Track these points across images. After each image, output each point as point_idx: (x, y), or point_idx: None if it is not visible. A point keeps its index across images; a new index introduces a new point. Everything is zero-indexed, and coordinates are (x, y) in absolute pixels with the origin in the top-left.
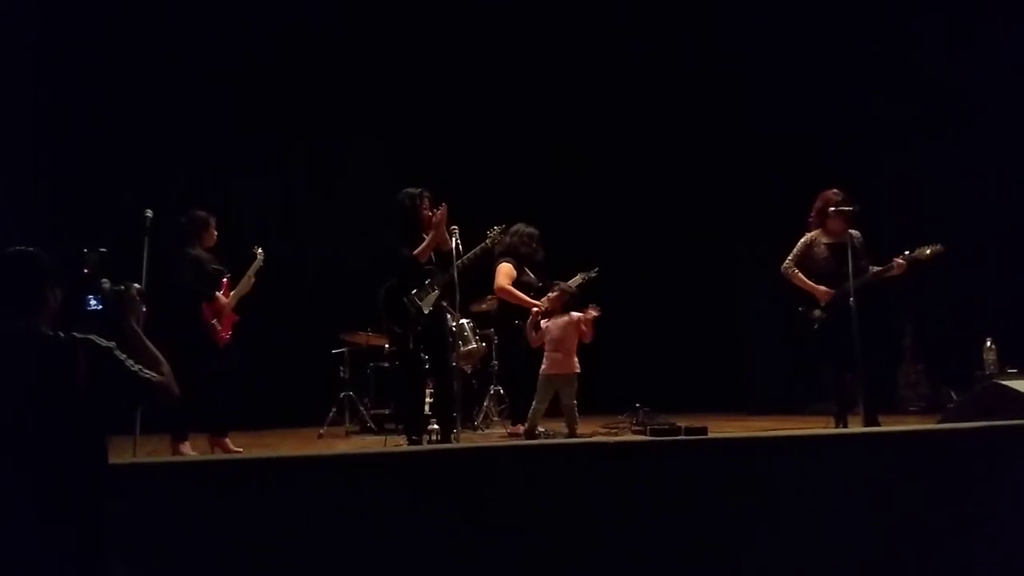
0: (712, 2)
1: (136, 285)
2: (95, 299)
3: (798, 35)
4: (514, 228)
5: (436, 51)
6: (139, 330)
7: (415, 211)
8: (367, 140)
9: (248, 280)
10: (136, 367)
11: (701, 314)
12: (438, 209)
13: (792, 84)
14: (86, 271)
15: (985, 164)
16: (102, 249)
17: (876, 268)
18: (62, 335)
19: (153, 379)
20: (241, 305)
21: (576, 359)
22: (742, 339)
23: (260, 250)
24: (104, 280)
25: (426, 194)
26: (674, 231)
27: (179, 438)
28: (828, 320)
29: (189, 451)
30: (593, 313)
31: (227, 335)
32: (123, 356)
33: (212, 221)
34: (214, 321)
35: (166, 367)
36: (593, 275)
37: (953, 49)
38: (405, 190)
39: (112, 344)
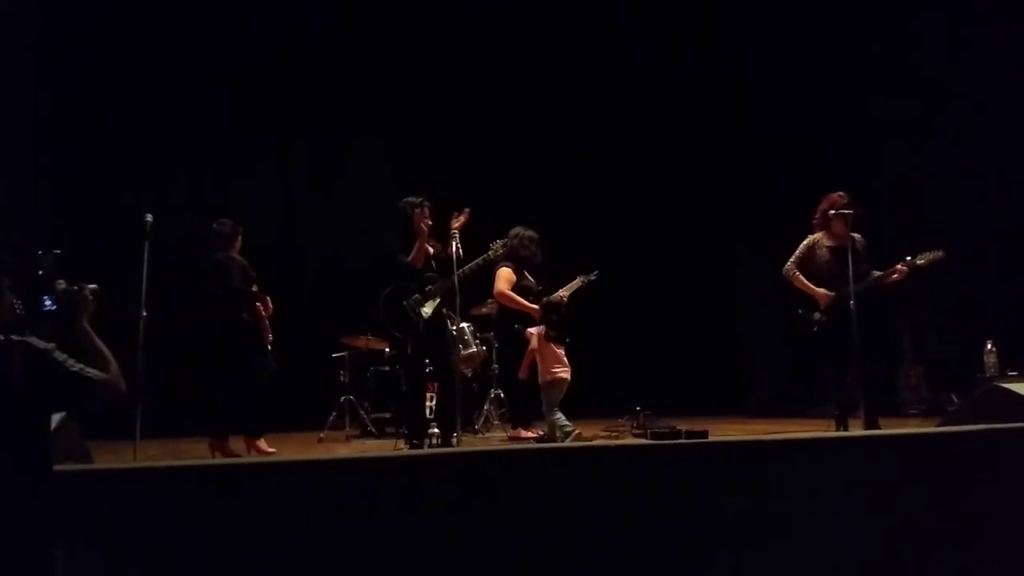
0: (712, 2)
1: (90, 286)
2: (50, 300)
3: (798, 35)
4: (513, 232)
5: (436, 51)
6: (90, 329)
7: (412, 220)
8: (367, 141)
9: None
10: (77, 367)
11: (701, 317)
12: (459, 215)
13: (792, 84)
14: (40, 273)
15: (985, 165)
16: (56, 251)
17: (878, 272)
18: (0, 338)
19: (95, 377)
20: None
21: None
22: (742, 342)
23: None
24: (59, 281)
25: (427, 203)
26: (674, 232)
27: (254, 436)
28: (827, 323)
29: (265, 447)
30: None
31: (271, 335)
32: (63, 357)
33: (240, 228)
34: (267, 322)
35: (114, 366)
36: (593, 278)
37: (953, 49)
38: (406, 199)
39: (50, 346)
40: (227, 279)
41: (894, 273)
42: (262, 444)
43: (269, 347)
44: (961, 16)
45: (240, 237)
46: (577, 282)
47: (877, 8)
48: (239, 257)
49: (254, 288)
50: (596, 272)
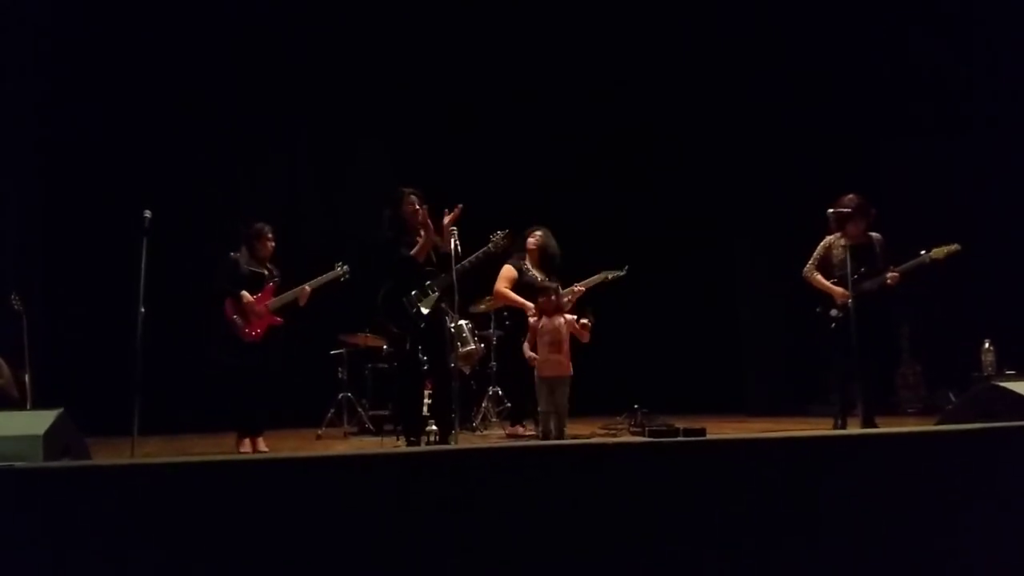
0: (712, 1)
1: None
2: None
3: (798, 35)
4: (526, 232)
5: (441, 48)
6: None
7: (400, 211)
8: (370, 141)
9: (302, 290)
10: None
11: (700, 315)
12: (449, 212)
13: (792, 83)
14: None
15: (984, 164)
16: None
17: (894, 272)
18: None
19: None
20: None
21: (569, 361)
22: (741, 341)
23: (344, 266)
24: None
25: (418, 195)
26: (674, 230)
27: (241, 435)
28: (846, 319)
29: (248, 447)
30: (584, 321)
31: (254, 333)
32: None
33: (266, 231)
34: (235, 317)
35: (7, 373)
36: (622, 273)
37: (953, 49)
38: (400, 188)
39: None
40: (213, 277)
41: (885, 278)
42: (245, 444)
43: (245, 341)
44: (961, 16)
45: (263, 240)
46: (599, 277)
47: (877, 7)
48: (236, 255)
49: (270, 285)
50: (625, 267)
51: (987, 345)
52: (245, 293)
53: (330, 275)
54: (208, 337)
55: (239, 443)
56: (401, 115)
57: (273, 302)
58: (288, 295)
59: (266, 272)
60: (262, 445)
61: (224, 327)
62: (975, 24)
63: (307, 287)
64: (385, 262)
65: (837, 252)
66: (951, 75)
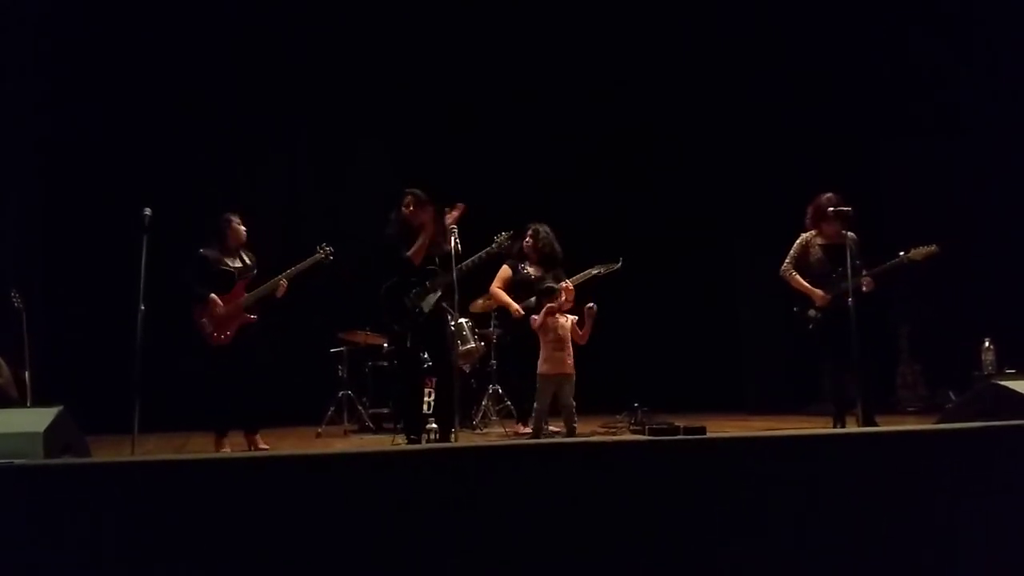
0: (712, 1)
1: None
2: None
3: (798, 35)
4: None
5: (438, 52)
6: None
7: (399, 212)
8: (370, 141)
9: (278, 283)
10: None
11: (700, 314)
12: (452, 210)
13: (792, 82)
14: None
15: (984, 164)
16: None
17: (865, 272)
18: None
19: None
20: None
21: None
22: (741, 339)
23: (326, 248)
24: None
25: (419, 196)
26: (673, 228)
27: (218, 434)
28: (823, 321)
29: (225, 448)
30: (591, 306)
31: (223, 336)
32: None
33: (232, 220)
34: (204, 320)
35: (6, 373)
36: (617, 266)
37: (953, 49)
38: (406, 189)
39: None
40: (185, 274)
41: (860, 284)
42: (224, 445)
43: (213, 344)
44: (961, 16)
45: (231, 230)
46: (588, 272)
47: (876, 7)
48: (206, 251)
49: (241, 282)
50: (620, 260)
51: (987, 344)
52: (213, 296)
53: (311, 260)
54: (183, 339)
55: (218, 444)
56: (401, 115)
57: (247, 298)
58: (263, 289)
59: (240, 265)
60: (261, 443)
61: (196, 330)
62: (975, 24)
63: (283, 280)
64: (388, 262)
65: (814, 251)
66: (951, 75)
